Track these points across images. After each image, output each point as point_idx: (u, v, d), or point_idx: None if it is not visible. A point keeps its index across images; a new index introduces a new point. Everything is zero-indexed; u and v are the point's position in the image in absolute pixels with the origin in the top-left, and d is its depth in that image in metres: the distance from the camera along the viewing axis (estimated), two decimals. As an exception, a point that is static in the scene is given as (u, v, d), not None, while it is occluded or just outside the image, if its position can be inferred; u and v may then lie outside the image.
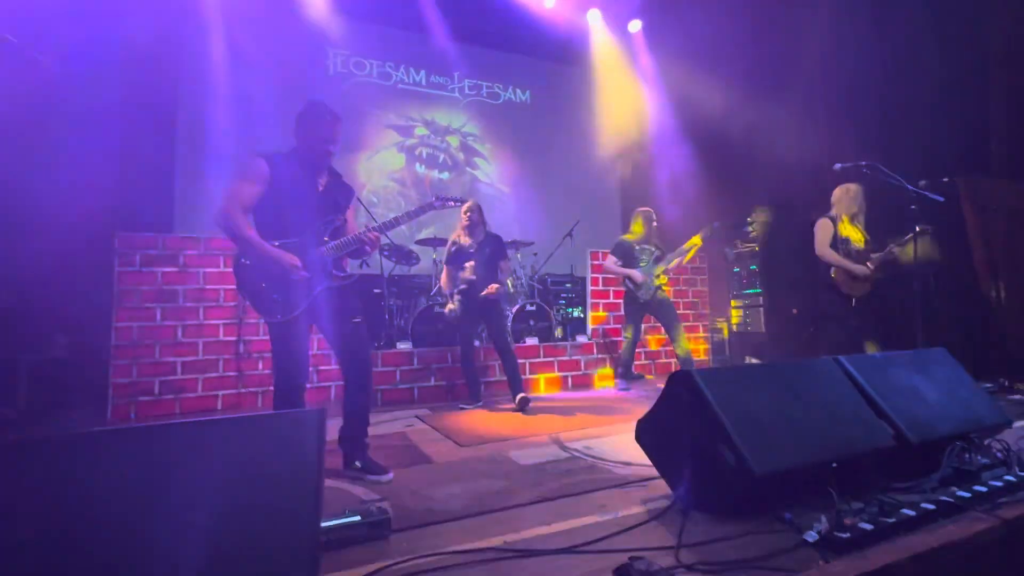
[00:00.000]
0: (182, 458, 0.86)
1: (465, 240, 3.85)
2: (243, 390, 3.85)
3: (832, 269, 3.48)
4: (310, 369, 3.99)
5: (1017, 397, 3.03)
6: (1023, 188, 4.00)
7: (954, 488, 1.53)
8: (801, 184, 5.18)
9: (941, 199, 3.21)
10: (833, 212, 3.59)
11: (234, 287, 1.99)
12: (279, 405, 2.03)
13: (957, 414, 1.81)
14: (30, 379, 3.38)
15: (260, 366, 3.91)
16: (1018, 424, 2.39)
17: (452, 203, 2.37)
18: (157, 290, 3.75)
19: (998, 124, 4.09)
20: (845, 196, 3.55)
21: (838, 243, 3.48)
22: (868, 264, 3.40)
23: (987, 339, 3.75)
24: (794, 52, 5.44)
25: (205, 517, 0.83)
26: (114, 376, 3.54)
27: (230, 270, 2.05)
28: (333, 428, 2.18)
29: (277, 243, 1.96)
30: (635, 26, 7.01)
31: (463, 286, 3.76)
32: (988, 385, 3.12)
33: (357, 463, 2.08)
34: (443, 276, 3.93)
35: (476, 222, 3.85)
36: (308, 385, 4.00)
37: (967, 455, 1.64)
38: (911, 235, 3.30)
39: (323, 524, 1.26)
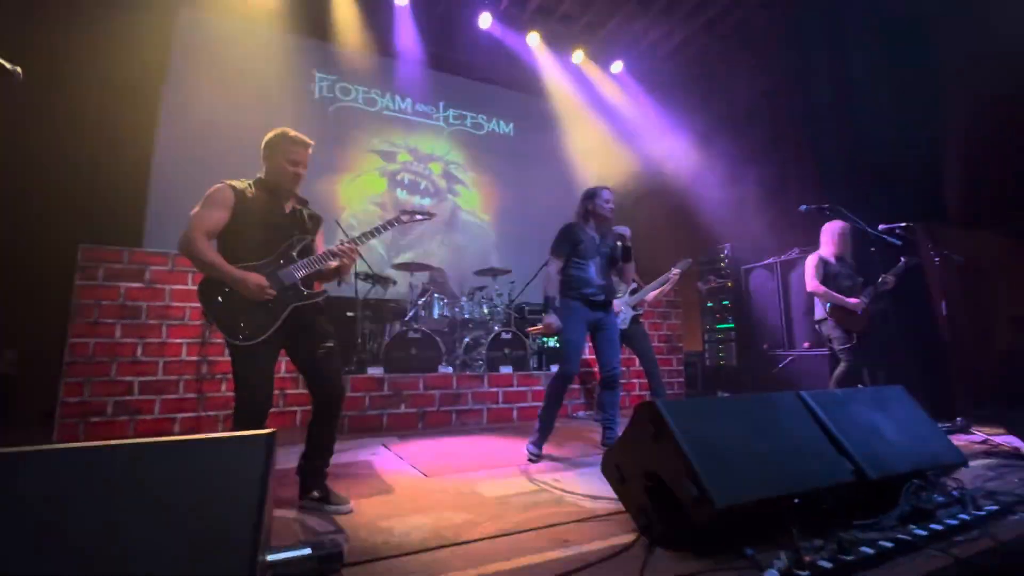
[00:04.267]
0: (109, 483, 0.81)
1: (592, 232, 3.04)
2: (203, 413, 3.70)
3: (827, 305, 3.56)
4: (275, 392, 3.88)
5: (974, 437, 3.11)
6: (977, 235, 4.22)
7: (911, 526, 1.55)
8: (772, 223, 5.37)
9: (899, 243, 3.35)
10: (822, 250, 3.71)
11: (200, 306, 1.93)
12: (239, 430, 1.96)
13: (915, 452, 1.85)
14: (-29, 396, 3.19)
15: (223, 388, 3.77)
16: (973, 463, 2.45)
17: (420, 217, 2.38)
18: (119, 305, 3.62)
19: (952, 174, 4.34)
20: (834, 234, 3.68)
21: (829, 279, 3.59)
22: (862, 298, 3.49)
23: (944, 379, 3.87)
24: (764, 103, 5.73)
25: (129, 549, 0.78)
26: (64, 395, 3.37)
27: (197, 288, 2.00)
28: (295, 455, 2.11)
29: (242, 265, 1.92)
30: (617, 67, 7.31)
31: (591, 290, 2.92)
32: (945, 424, 3.20)
33: (315, 492, 2.00)
34: (551, 272, 3.03)
35: (612, 212, 3.07)
36: (272, 409, 3.88)
37: (924, 493, 1.66)
38: (902, 266, 3.45)
39: (268, 557, 1.20)
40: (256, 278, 1.89)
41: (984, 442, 2.97)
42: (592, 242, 3.01)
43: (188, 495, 0.86)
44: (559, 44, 6.91)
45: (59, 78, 4.36)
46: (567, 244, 3.02)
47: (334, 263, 2.10)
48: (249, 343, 1.87)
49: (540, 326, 3.04)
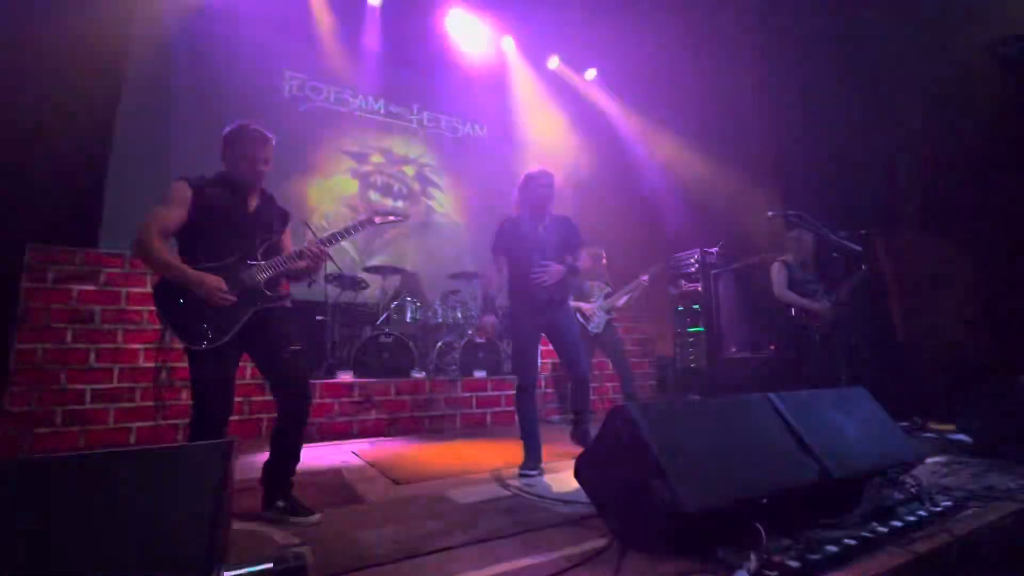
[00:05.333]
0: (49, 497, 0.75)
1: (532, 223, 2.80)
2: (161, 423, 3.53)
3: (793, 309, 3.67)
4: (239, 399, 3.74)
5: (929, 435, 3.25)
6: (933, 241, 4.41)
7: (874, 523, 1.59)
8: (741, 229, 5.51)
9: (859, 248, 3.49)
10: (787, 256, 3.82)
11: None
12: (197, 439, 1.87)
13: (876, 450, 1.91)
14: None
15: (183, 396, 3.61)
16: (930, 460, 2.55)
17: (393, 219, 2.32)
18: (71, 309, 3.43)
19: (910, 181, 4.54)
20: (798, 242, 3.81)
21: (794, 285, 3.71)
22: (825, 302, 3.63)
23: (902, 380, 4.03)
24: (733, 113, 5.90)
25: (71, 568, 0.72)
26: (8, 404, 3.16)
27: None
28: (260, 464, 2.02)
29: (201, 266, 1.83)
30: (591, 74, 7.40)
31: (525, 290, 2.71)
32: (903, 424, 3.33)
33: (280, 503, 1.92)
34: (490, 273, 2.93)
35: (549, 196, 2.80)
36: (236, 417, 3.73)
37: (885, 491, 1.72)
38: (860, 274, 3.59)
39: (226, 573, 1.14)
40: (214, 280, 1.81)
41: (937, 440, 3.10)
42: (532, 235, 2.75)
43: (137, 509, 0.80)
44: (534, 49, 6.95)
45: (6, 63, 4.11)
46: (504, 240, 2.80)
47: (302, 264, 2.04)
48: (207, 347, 1.79)
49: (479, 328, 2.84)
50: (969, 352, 3.92)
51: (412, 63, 6.71)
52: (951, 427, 3.15)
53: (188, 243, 1.87)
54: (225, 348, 1.83)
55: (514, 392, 2.80)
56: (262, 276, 1.93)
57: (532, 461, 2.63)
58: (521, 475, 2.57)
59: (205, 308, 1.81)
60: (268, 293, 1.95)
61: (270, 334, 1.96)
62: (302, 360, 2.02)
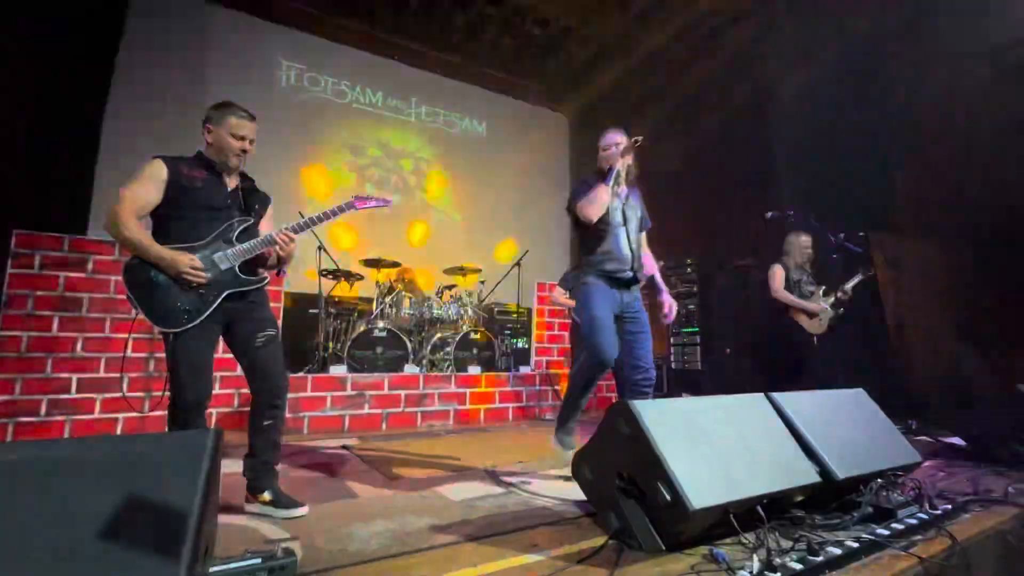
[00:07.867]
0: (22, 489, 0.70)
1: (613, 188, 2.36)
2: (150, 413, 3.46)
3: (790, 310, 3.67)
4: (231, 391, 3.67)
5: (923, 438, 3.25)
6: (927, 243, 4.42)
7: (874, 526, 1.57)
8: (737, 230, 5.51)
9: (860, 250, 3.48)
10: (785, 258, 3.82)
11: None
12: (174, 428, 1.81)
13: (876, 452, 1.89)
14: None
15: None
16: (924, 464, 2.54)
17: (374, 204, 2.23)
18: (58, 297, 3.35)
19: (904, 185, 4.54)
20: (796, 244, 3.80)
21: (791, 286, 3.70)
22: (822, 304, 3.63)
23: (896, 383, 4.03)
24: (732, 113, 5.89)
25: (44, 564, 0.68)
26: (-10, 392, 3.08)
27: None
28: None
29: (175, 247, 1.78)
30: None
31: (615, 265, 2.35)
32: (898, 426, 3.33)
33: (266, 495, 1.87)
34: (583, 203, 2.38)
35: (614, 160, 2.38)
36: (227, 409, 3.67)
37: (885, 493, 1.69)
38: (859, 276, 3.59)
39: (212, 569, 1.09)
40: (186, 258, 1.76)
41: (933, 443, 3.10)
42: (618, 202, 2.39)
43: (116, 501, 0.75)
44: (532, 48, 6.89)
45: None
46: (589, 200, 2.31)
47: (271, 249, 1.97)
48: (179, 330, 1.74)
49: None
50: (963, 358, 3.93)
51: (410, 56, 6.64)
52: (946, 431, 3.15)
53: (163, 224, 1.82)
54: (199, 330, 1.78)
55: (579, 365, 2.40)
56: (236, 258, 1.88)
57: (566, 430, 2.51)
58: (559, 438, 2.47)
59: (177, 290, 1.76)
60: (242, 276, 1.89)
61: (244, 320, 1.92)
62: (277, 346, 1.97)
